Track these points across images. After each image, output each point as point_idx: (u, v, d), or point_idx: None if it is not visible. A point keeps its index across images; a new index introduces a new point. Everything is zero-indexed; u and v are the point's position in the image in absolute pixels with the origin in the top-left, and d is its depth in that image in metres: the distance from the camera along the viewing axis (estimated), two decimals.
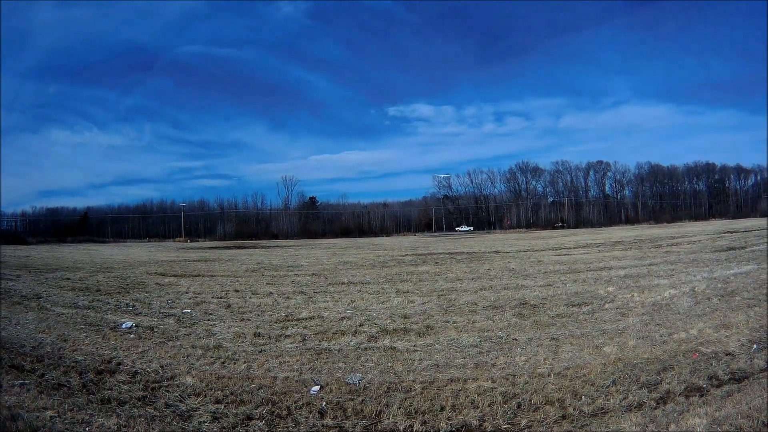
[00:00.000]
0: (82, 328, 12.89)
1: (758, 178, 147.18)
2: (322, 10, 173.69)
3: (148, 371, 8.93)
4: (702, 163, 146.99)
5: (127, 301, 17.10)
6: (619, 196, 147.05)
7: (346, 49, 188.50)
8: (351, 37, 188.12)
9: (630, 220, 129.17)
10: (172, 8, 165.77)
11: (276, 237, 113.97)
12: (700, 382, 7.89)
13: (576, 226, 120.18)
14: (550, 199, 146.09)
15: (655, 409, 6.99)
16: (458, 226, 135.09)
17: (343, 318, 13.73)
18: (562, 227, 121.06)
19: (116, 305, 16.45)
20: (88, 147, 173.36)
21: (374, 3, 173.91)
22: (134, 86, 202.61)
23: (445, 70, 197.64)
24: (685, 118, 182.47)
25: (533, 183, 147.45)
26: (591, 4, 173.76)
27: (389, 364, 9.41)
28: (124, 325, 12.97)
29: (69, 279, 24.62)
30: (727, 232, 50.87)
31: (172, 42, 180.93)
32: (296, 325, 13.04)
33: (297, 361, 9.75)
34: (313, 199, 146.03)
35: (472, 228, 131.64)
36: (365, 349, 10.60)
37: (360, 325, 12.73)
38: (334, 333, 11.99)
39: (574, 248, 40.16)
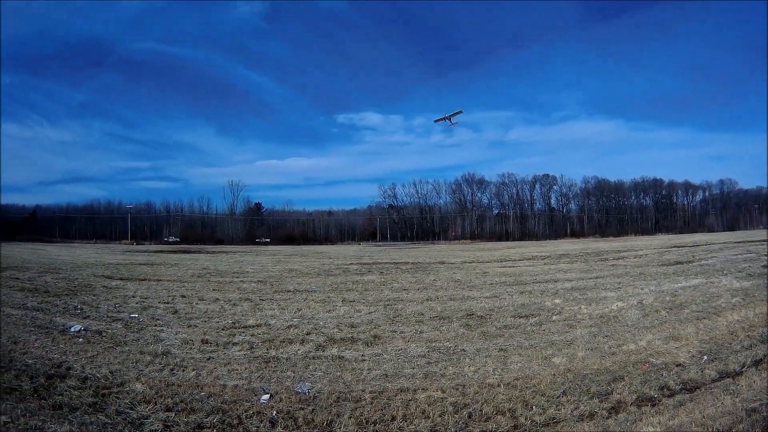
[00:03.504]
0: (32, 330, 12.72)
1: (706, 194, 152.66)
2: (277, 12, 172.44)
3: (98, 377, 8.90)
4: (649, 179, 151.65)
5: (75, 304, 16.85)
6: (564, 210, 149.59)
7: (298, 53, 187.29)
8: (304, 42, 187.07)
9: (575, 234, 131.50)
10: (129, 2, 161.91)
11: (221, 242, 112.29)
12: (652, 392, 8.01)
13: (521, 239, 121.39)
14: (495, 211, 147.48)
15: (608, 418, 7.08)
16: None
17: (290, 326, 13.82)
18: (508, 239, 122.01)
19: (64, 307, 16.22)
20: (39, 142, 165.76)
21: (330, 7, 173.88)
22: (86, 81, 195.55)
23: (395, 79, 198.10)
24: (633, 134, 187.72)
25: (478, 195, 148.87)
26: (543, 18, 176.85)
27: (338, 374, 9.53)
28: (72, 329, 12.81)
29: (18, 279, 23.92)
30: (674, 246, 52.29)
31: (126, 37, 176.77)
32: (243, 332, 13.09)
33: (246, 369, 9.84)
34: (258, 205, 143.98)
35: None
36: (313, 358, 10.77)
37: (307, 334, 12.86)
38: (281, 341, 12.09)
39: (520, 260, 40.73)
